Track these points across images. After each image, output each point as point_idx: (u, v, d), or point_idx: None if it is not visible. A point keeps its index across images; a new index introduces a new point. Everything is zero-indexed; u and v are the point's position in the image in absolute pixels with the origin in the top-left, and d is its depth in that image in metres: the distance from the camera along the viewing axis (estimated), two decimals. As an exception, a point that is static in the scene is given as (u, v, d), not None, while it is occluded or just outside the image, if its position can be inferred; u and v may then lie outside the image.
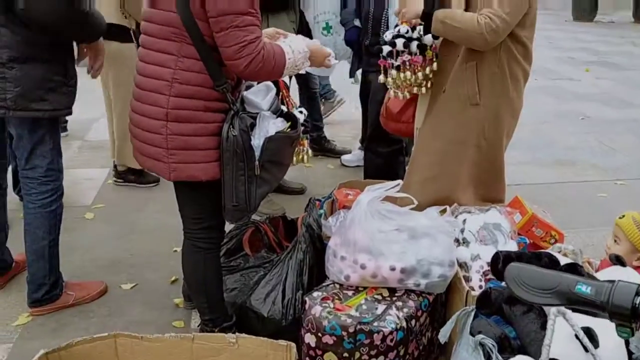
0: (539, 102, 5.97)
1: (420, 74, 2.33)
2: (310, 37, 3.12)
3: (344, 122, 5.07)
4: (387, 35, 2.35)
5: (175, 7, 1.73)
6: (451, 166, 2.35)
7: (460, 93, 2.29)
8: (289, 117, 2.06)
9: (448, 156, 2.35)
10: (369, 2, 3.11)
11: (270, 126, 1.96)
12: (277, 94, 2.23)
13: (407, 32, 2.29)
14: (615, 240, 2.03)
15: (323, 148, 4.39)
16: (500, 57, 2.23)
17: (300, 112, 2.42)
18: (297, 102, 4.03)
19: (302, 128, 2.31)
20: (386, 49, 2.34)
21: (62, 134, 4.61)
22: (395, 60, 2.33)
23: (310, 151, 2.63)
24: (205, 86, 1.82)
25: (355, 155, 4.23)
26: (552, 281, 0.77)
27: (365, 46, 3.26)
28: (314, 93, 4.28)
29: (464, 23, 2.13)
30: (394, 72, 2.35)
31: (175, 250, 2.90)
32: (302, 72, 2.15)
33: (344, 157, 4.27)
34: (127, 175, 3.77)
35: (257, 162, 1.89)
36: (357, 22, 3.26)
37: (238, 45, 1.73)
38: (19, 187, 2.80)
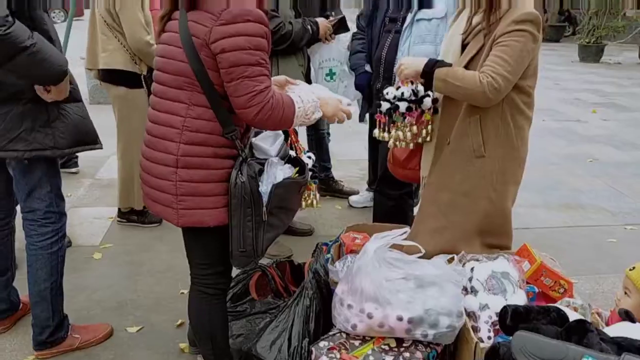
0: (547, 143, 5.98)
1: (415, 128, 2.35)
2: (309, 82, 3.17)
3: (353, 162, 5.09)
4: (389, 94, 2.37)
5: (187, 58, 1.78)
6: (460, 218, 2.34)
7: (465, 146, 2.29)
8: (297, 162, 2.08)
9: (457, 208, 2.34)
10: (382, 47, 3.15)
11: (278, 172, 1.97)
12: (286, 139, 2.26)
13: (410, 95, 2.31)
14: (625, 292, 2.01)
15: (331, 189, 4.40)
16: (504, 108, 2.23)
17: (309, 157, 2.44)
18: (306, 146, 4.11)
19: (310, 173, 2.34)
20: (385, 105, 2.36)
21: (73, 169, 4.70)
22: (396, 119, 2.36)
23: (318, 195, 2.63)
24: (214, 133, 1.84)
25: (363, 197, 4.25)
26: (558, 352, 0.77)
27: (376, 90, 3.30)
28: (323, 134, 4.31)
29: (466, 81, 2.13)
30: (391, 132, 2.40)
31: (182, 293, 2.89)
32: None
33: (352, 198, 4.29)
34: (130, 216, 3.80)
35: (264, 208, 1.90)
36: (367, 68, 3.30)
37: (248, 95, 1.76)
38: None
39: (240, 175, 1.85)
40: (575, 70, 11.53)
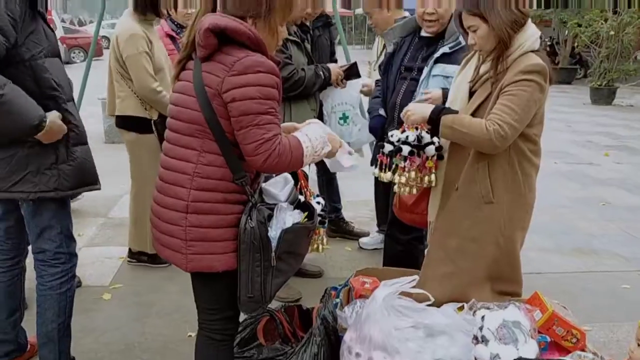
0: (559, 186, 5.95)
1: (412, 174, 2.38)
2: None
3: (363, 203, 5.10)
4: (394, 136, 2.40)
5: (200, 107, 1.82)
6: (468, 263, 2.33)
7: (474, 192, 2.30)
8: (306, 207, 2.09)
9: (466, 254, 2.34)
10: (397, 93, 3.19)
11: (287, 218, 1.98)
12: (296, 183, 2.27)
13: (415, 140, 2.34)
14: (638, 344, 1.96)
15: (341, 230, 4.40)
16: (511, 155, 2.25)
17: (318, 202, 2.45)
18: (316, 186, 4.13)
19: (319, 218, 2.34)
20: (388, 147, 2.39)
21: (79, 197, 4.74)
22: (395, 161, 2.39)
23: (325, 240, 2.63)
24: (225, 179, 1.87)
25: (373, 239, 4.24)
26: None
27: None
28: (333, 175, 4.34)
29: (472, 129, 2.15)
30: (389, 174, 2.43)
31: (190, 335, 2.88)
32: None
33: (362, 240, 4.27)
34: (140, 256, 3.82)
35: (273, 254, 1.90)
36: (381, 112, 3.35)
37: (256, 143, 1.79)
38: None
39: (249, 220, 1.87)
40: (587, 113, 11.54)
